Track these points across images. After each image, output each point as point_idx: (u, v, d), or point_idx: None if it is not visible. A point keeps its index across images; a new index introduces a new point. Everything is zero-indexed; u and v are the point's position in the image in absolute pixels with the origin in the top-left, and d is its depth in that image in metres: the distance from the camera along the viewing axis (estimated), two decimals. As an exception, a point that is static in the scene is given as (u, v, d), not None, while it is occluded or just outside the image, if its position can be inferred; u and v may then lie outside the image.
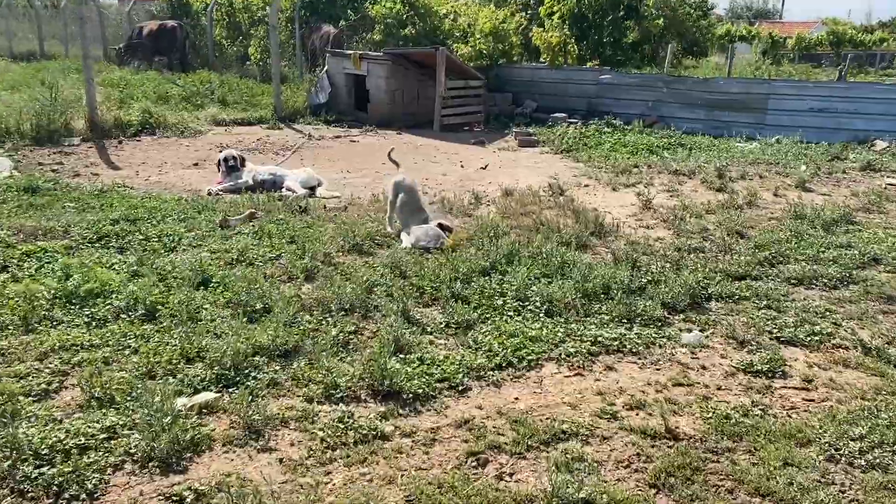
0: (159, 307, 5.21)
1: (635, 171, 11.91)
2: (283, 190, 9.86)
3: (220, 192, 9.71)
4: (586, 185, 10.85)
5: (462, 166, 12.39)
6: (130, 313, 5.11)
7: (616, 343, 5.07)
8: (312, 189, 9.97)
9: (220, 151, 12.67)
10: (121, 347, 4.67)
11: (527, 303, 5.62)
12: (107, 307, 5.20)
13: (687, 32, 26.09)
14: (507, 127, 17.03)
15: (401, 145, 14.16)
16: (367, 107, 16.87)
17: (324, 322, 5.18)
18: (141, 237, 6.86)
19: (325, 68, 17.63)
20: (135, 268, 5.97)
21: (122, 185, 9.73)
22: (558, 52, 19.20)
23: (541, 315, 5.44)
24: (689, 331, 5.33)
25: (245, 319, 5.10)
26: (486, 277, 6.10)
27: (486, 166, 12.26)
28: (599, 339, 5.08)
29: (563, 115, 17.17)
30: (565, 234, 7.47)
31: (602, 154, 13.45)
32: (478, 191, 10.25)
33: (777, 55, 37.27)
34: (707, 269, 6.49)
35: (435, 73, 16.24)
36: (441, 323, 5.31)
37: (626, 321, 5.41)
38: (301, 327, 5.04)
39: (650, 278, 6.15)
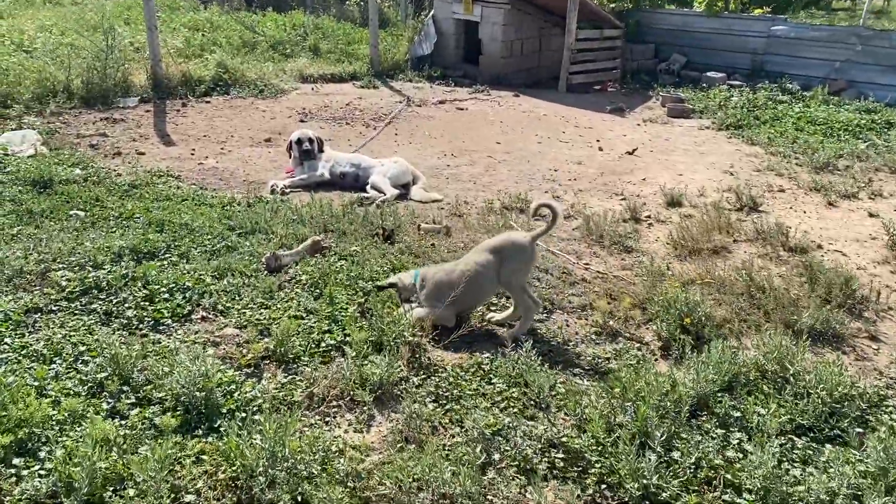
0: None
1: (842, 165, 8.73)
2: (369, 188, 7.39)
3: (288, 190, 7.34)
4: (781, 191, 7.82)
5: (601, 148, 9.54)
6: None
7: None
8: (405, 187, 7.45)
9: (300, 119, 10.40)
10: None
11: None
12: None
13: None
14: (648, 87, 13.88)
15: (518, 115, 11.38)
16: (478, 60, 14.07)
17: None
18: (142, 293, 4.55)
19: (431, 12, 14.85)
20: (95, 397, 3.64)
21: (166, 174, 7.52)
22: (715, -7, 15.61)
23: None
24: None
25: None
26: (699, 434, 3.42)
27: (633, 150, 9.35)
28: None
29: (720, 74, 13.81)
30: (787, 308, 4.67)
31: (784, 134, 10.22)
32: (629, 195, 7.45)
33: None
34: None
35: (562, 19, 13.21)
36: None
37: None
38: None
39: None
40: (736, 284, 5.01)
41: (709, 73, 13.91)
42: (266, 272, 5.08)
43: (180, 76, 11.49)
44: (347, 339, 4.12)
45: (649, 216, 6.82)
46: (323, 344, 4.10)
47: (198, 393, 3.39)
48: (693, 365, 3.79)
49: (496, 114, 11.36)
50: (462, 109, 11.54)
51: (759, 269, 5.44)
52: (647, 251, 5.89)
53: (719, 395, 3.62)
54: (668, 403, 3.43)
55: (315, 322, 4.32)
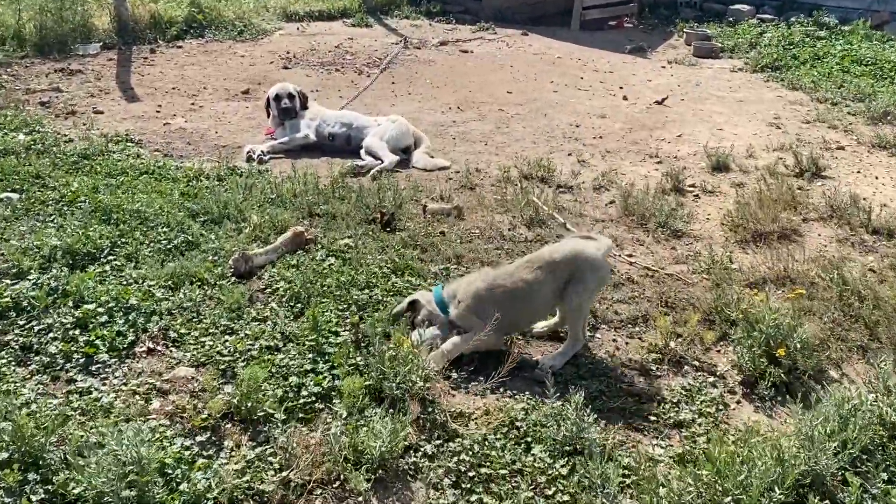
0: None
1: (905, 115, 7.61)
2: (363, 153, 6.30)
3: (267, 156, 6.26)
4: (840, 148, 6.74)
5: (625, 97, 8.39)
6: None
7: None
8: (405, 151, 6.36)
9: (284, 66, 9.15)
10: None
11: None
12: None
13: None
14: (669, 23, 12.57)
15: (530, 57, 10.17)
16: (481, -8, 12.73)
17: None
18: (73, 317, 3.53)
19: (428, -61, 13.38)
20: None
21: (125, 140, 6.41)
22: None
23: None
24: None
25: None
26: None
27: (663, 100, 8.21)
28: None
29: (748, 7, 12.51)
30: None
31: (830, 77, 9.05)
32: (665, 157, 6.39)
33: None
34: None
35: (577, -53, 11.85)
36: None
37: None
38: None
39: None
40: (825, 288, 4.00)
41: (735, 6, 12.59)
42: (234, 278, 4.06)
43: (149, 18, 10.20)
44: (337, 384, 3.14)
45: (694, 185, 5.76)
46: (304, 392, 3.11)
47: (127, 492, 2.42)
48: (799, 419, 2.80)
49: (505, 57, 10.14)
50: (466, 52, 10.29)
51: (841, 259, 4.43)
52: (701, 235, 4.87)
53: (839, 470, 2.66)
54: (776, 490, 2.47)
55: (294, 356, 3.32)
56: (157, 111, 7.37)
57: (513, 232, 4.80)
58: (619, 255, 4.52)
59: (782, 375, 3.25)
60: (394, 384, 3.02)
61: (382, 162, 6.06)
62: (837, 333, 3.66)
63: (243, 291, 3.89)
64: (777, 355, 3.25)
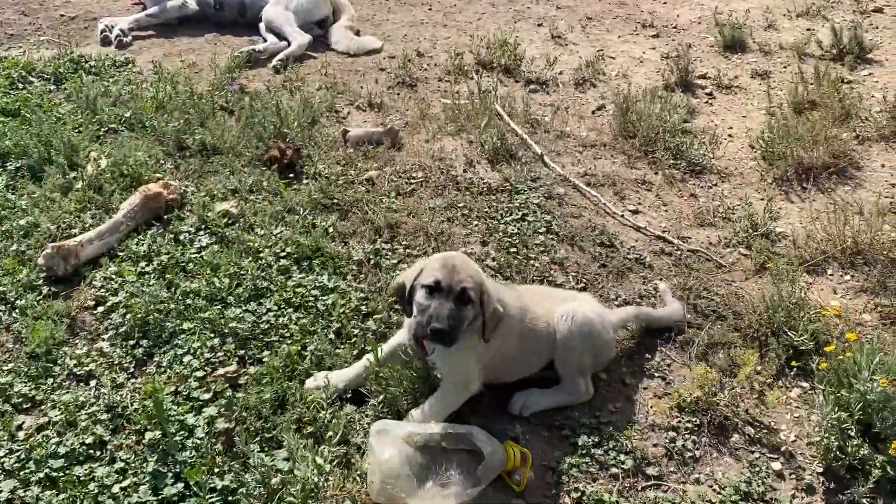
0: None
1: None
2: (262, 30, 4.65)
3: (129, 37, 4.56)
4: (877, 10, 5.30)
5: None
6: None
7: None
8: (321, 25, 4.72)
9: None
10: None
11: None
12: None
13: None
14: None
15: None
16: None
17: None
18: None
19: None
20: None
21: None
22: None
23: None
24: None
25: None
26: None
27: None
28: None
29: None
30: None
31: None
32: (661, 27, 4.90)
33: None
34: None
35: None
36: None
37: None
38: None
39: None
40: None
41: None
42: (48, 281, 2.66)
43: None
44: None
45: (705, 77, 4.36)
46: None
47: None
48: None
49: None
50: None
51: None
52: (727, 170, 3.56)
53: None
54: None
55: (123, 466, 2.04)
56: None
57: (471, 174, 3.40)
58: (622, 214, 3.20)
59: (889, 469, 2.12)
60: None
61: (289, 45, 4.43)
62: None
63: (60, 314, 2.51)
64: (892, 450, 2.09)
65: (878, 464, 2.12)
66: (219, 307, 2.56)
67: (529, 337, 2.31)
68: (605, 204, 3.24)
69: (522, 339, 2.30)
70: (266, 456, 2.05)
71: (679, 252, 2.99)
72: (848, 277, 2.91)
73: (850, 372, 2.27)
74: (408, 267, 2.56)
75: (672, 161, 3.55)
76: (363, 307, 2.59)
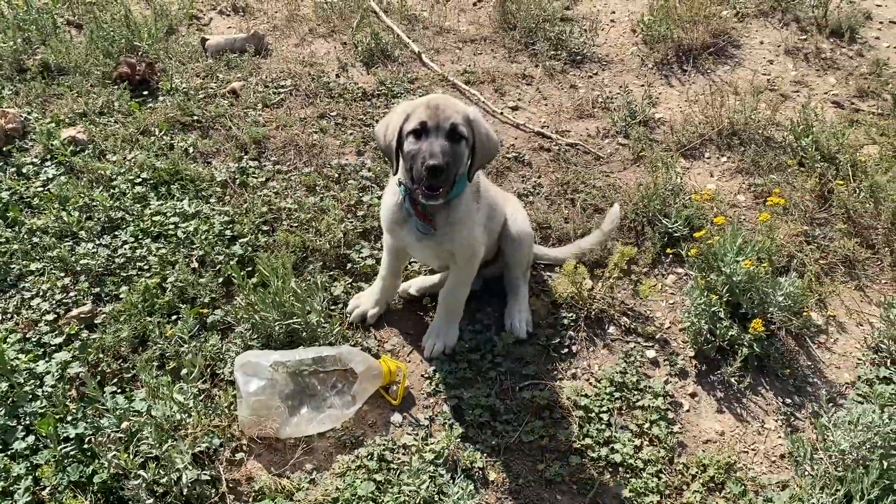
0: None
1: None
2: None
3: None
4: None
5: None
6: None
7: None
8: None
9: None
10: None
11: None
12: None
13: None
14: None
15: None
16: None
17: None
18: None
19: None
20: None
21: None
22: None
23: None
24: None
25: None
26: None
27: None
28: None
29: None
30: None
31: None
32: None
33: None
34: None
35: None
36: None
37: None
38: None
39: None
40: (788, 155, 2.84)
41: None
42: None
43: None
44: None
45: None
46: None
47: None
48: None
49: None
50: None
51: (797, 86, 3.23)
52: (608, 57, 3.47)
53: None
54: None
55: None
56: None
57: (344, 78, 3.21)
58: (502, 113, 3.09)
59: (755, 346, 2.17)
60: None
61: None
62: (816, 241, 2.57)
63: None
64: (752, 329, 2.13)
65: (745, 342, 2.17)
66: (69, 243, 2.38)
67: (493, 218, 2.25)
68: (484, 102, 3.13)
69: (489, 218, 2.23)
70: (124, 397, 1.94)
71: (558, 147, 2.93)
72: (724, 159, 2.91)
73: (718, 255, 2.29)
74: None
75: (553, 52, 3.43)
76: (228, 231, 2.45)
